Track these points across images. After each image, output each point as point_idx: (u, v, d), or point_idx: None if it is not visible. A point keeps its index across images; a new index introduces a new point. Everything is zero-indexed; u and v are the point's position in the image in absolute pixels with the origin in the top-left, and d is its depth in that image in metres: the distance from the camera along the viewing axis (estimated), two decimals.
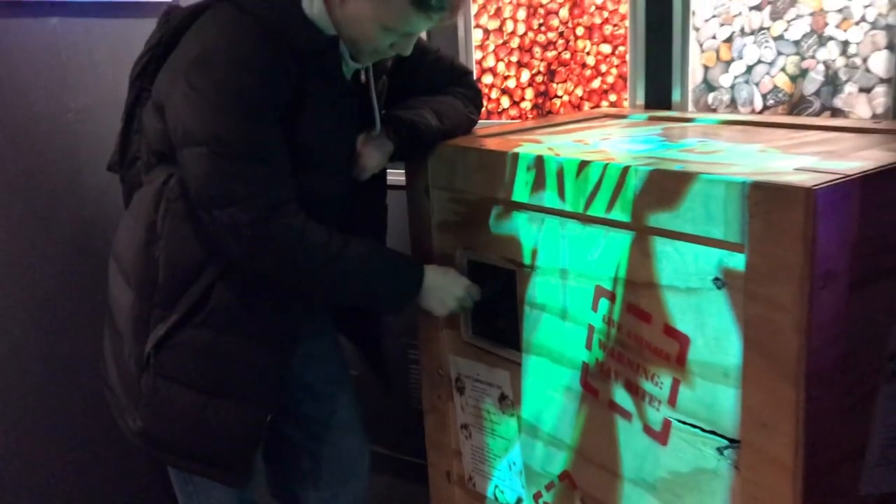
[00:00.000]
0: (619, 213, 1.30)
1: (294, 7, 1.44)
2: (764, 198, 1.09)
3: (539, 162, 1.42)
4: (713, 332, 1.21)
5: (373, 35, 1.45)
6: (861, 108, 1.75)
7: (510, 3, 2.14)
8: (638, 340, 1.33)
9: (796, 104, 1.83)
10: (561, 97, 2.15)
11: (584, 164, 1.34)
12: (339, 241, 1.48)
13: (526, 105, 2.20)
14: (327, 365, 1.83)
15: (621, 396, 1.38)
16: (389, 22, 1.42)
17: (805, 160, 1.24)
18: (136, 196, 1.59)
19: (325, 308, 1.78)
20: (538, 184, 1.43)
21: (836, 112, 1.78)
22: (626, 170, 1.27)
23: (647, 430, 1.34)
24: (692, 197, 1.18)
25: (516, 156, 1.47)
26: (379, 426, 2.38)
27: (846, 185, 1.08)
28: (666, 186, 1.22)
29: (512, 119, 2.22)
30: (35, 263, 2.10)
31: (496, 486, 1.74)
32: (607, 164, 1.31)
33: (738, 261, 1.14)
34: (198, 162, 1.39)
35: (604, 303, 1.37)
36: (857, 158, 1.22)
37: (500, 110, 2.23)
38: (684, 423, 1.28)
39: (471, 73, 1.86)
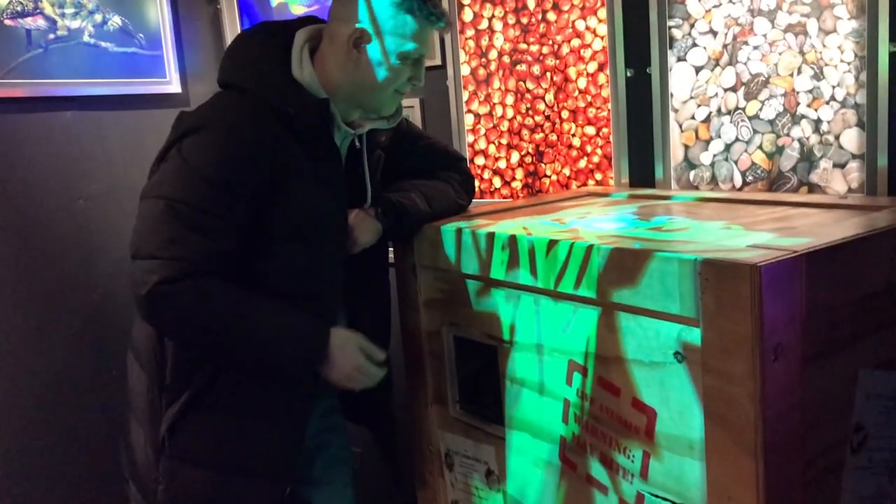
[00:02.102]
0: (586, 290, 1.35)
1: (283, 73, 1.54)
2: (714, 274, 1.13)
3: (512, 241, 1.48)
4: (677, 405, 1.24)
5: (397, 69, 1.55)
6: (836, 183, 1.80)
7: (499, 89, 2.24)
8: (609, 414, 1.36)
9: (774, 180, 1.88)
10: (549, 177, 2.22)
11: (552, 243, 1.40)
12: (238, 299, 1.46)
13: (517, 184, 2.27)
14: (331, 448, 1.84)
15: (597, 470, 1.40)
16: (404, 44, 1.53)
17: (762, 237, 1.29)
18: None
19: (335, 394, 1.79)
20: (513, 262, 1.49)
21: (813, 187, 1.83)
22: (590, 248, 1.33)
23: (623, 503, 1.36)
24: (650, 273, 1.23)
25: (492, 235, 1.53)
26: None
27: (792, 261, 1.12)
28: (626, 264, 1.27)
29: (504, 198, 2.29)
30: (43, 347, 2.17)
31: None
32: (573, 243, 1.36)
33: (694, 335, 1.18)
34: (149, 212, 1.43)
35: (577, 377, 1.41)
36: (813, 235, 1.27)
37: (492, 189, 2.31)
38: (656, 496, 1.30)
39: (465, 159, 1.94)
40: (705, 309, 1.15)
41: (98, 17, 2.26)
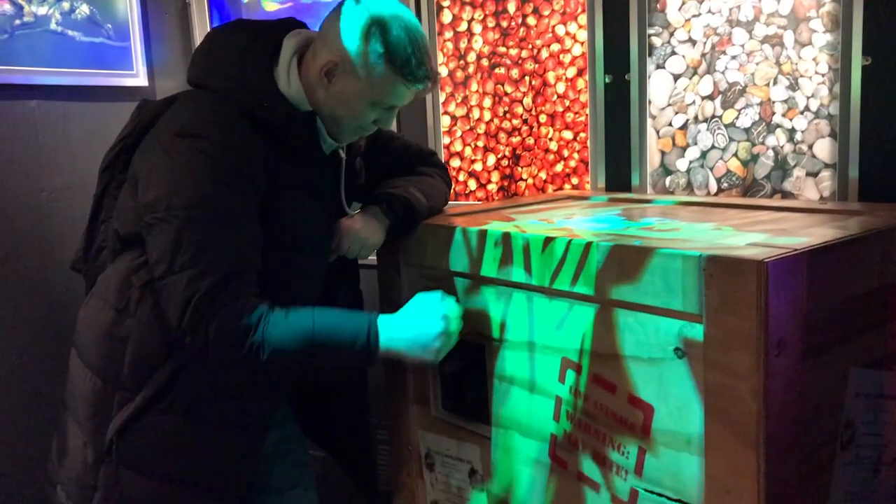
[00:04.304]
0: (583, 287, 1.36)
1: (270, 87, 1.48)
2: (719, 270, 1.15)
3: (506, 238, 1.48)
4: (675, 400, 1.25)
5: (360, 111, 1.50)
6: (809, 191, 1.85)
7: (477, 91, 2.25)
8: (604, 411, 1.36)
9: (749, 187, 1.93)
10: (525, 180, 2.23)
11: (549, 240, 1.40)
12: (264, 314, 1.40)
13: (492, 187, 2.28)
14: (290, 455, 1.79)
15: (589, 467, 1.41)
16: (377, 95, 1.48)
17: (757, 237, 1.32)
18: (101, 279, 1.56)
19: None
20: (505, 259, 1.49)
21: (786, 195, 1.88)
22: (588, 245, 1.33)
23: (615, 500, 1.37)
24: (652, 270, 1.24)
25: (484, 232, 1.52)
26: None
27: (795, 258, 1.15)
28: (627, 260, 1.28)
29: (478, 201, 2.29)
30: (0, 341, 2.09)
31: None
32: (571, 240, 1.37)
33: (696, 331, 1.20)
34: (161, 227, 1.38)
35: (570, 374, 1.41)
36: (806, 235, 1.30)
37: (467, 192, 2.31)
38: (651, 492, 1.31)
39: (436, 154, 1.94)
40: (709, 305, 1.17)
41: (66, 5, 2.20)
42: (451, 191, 1.93)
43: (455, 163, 2.31)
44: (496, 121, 2.24)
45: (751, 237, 1.31)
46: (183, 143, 1.41)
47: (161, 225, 1.38)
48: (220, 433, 1.51)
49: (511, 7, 2.18)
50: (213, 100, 1.48)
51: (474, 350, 1.61)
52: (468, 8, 2.24)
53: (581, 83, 2.11)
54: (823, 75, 1.81)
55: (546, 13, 2.13)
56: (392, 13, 1.45)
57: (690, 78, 1.97)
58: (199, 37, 2.57)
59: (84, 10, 2.25)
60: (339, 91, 1.48)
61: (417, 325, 1.49)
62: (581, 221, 1.62)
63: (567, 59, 2.12)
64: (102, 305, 1.53)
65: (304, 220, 1.54)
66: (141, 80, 2.43)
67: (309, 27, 1.61)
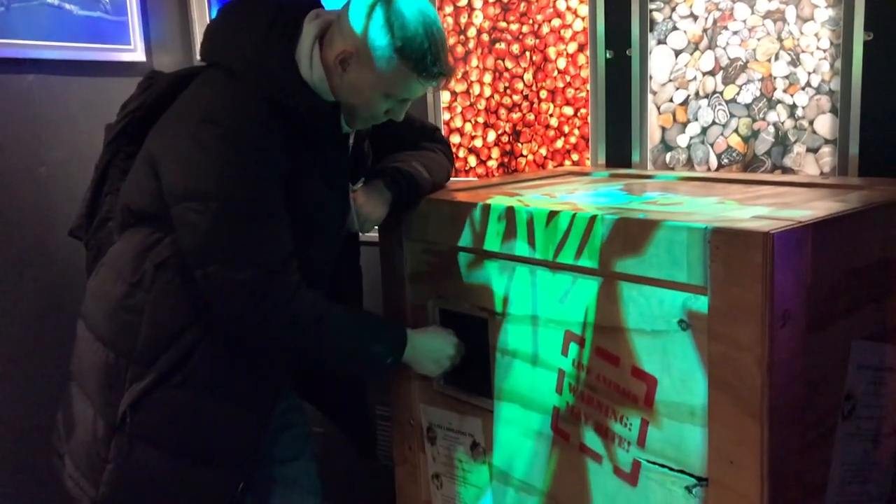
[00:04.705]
0: (588, 260, 1.36)
1: (293, 74, 1.47)
2: (724, 242, 1.15)
3: (510, 212, 1.48)
4: (679, 372, 1.26)
5: (372, 102, 1.50)
6: (809, 167, 1.86)
7: (477, 67, 2.24)
8: (607, 383, 1.37)
9: (749, 163, 1.93)
10: (526, 156, 2.23)
11: (553, 214, 1.41)
12: (324, 306, 1.49)
13: (492, 164, 2.28)
14: (294, 426, 1.81)
15: (591, 439, 1.42)
16: (390, 88, 1.48)
17: (761, 210, 1.32)
18: (112, 252, 1.56)
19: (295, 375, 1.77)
20: (509, 233, 1.49)
21: (787, 170, 1.88)
22: (593, 218, 1.34)
23: (618, 471, 1.38)
24: (657, 243, 1.25)
25: (488, 207, 1.53)
26: (344, 485, 2.37)
27: (801, 230, 1.16)
28: (632, 233, 1.28)
29: (479, 177, 2.29)
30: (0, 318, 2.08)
31: None
32: (575, 214, 1.37)
33: (701, 303, 1.20)
34: (200, 217, 1.39)
35: (573, 347, 1.42)
36: (809, 208, 1.31)
37: (467, 168, 2.31)
38: (653, 463, 1.32)
39: (439, 129, 1.94)
40: (714, 277, 1.17)
41: None
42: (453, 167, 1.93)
43: (455, 139, 2.30)
44: (496, 97, 2.23)
45: (755, 210, 1.32)
46: (211, 131, 1.41)
47: (198, 216, 1.39)
48: (233, 408, 1.52)
49: None
50: (236, 85, 1.46)
51: (476, 324, 1.62)
52: None
53: (582, 59, 2.10)
54: (825, 51, 1.80)
55: None
56: (411, 5, 1.44)
57: (692, 53, 1.96)
58: (196, 12, 2.55)
59: None
60: (352, 81, 1.48)
61: (436, 344, 1.66)
62: (583, 196, 1.63)
63: (568, 34, 2.11)
64: (116, 278, 1.52)
65: (321, 207, 1.55)
66: (139, 55, 2.41)
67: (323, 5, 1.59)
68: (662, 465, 1.31)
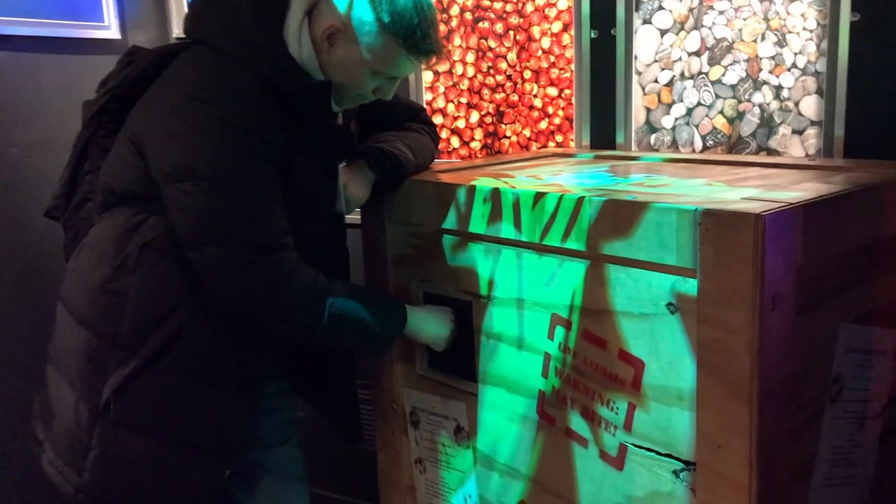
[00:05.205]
0: (575, 243, 1.34)
1: (282, 52, 1.43)
2: (714, 224, 1.14)
3: (496, 194, 1.46)
4: (667, 356, 1.25)
5: (360, 79, 1.47)
6: (794, 149, 1.85)
7: (460, 46, 2.21)
8: (594, 367, 1.36)
9: (734, 145, 1.92)
10: (509, 137, 2.21)
11: (539, 196, 1.38)
12: (325, 281, 1.46)
13: (476, 145, 2.25)
14: (280, 411, 1.76)
15: (577, 423, 1.40)
16: (378, 65, 1.45)
17: (749, 192, 1.31)
18: (94, 232, 1.51)
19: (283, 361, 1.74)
20: (495, 215, 1.47)
21: (772, 152, 1.88)
22: (580, 200, 1.32)
23: (604, 455, 1.37)
24: (645, 225, 1.23)
25: (473, 188, 1.50)
26: (326, 469, 2.35)
27: (791, 212, 1.14)
28: (620, 215, 1.26)
29: (462, 158, 2.26)
30: None
31: None
32: (562, 196, 1.35)
33: (690, 286, 1.19)
34: (192, 198, 1.35)
35: (560, 330, 1.41)
36: (798, 190, 1.29)
37: (450, 150, 2.28)
38: (640, 447, 1.31)
39: (424, 110, 1.91)
40: (704, 259, 1.16)
41: None
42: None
43: (438, 120, 2.27)
44: (480, 77, 2.20)
45: (744, 192, 1.31)
46: (199, 109, 1.37)
47: (190, 197, 1.36)
48: (220, 393, 1.49)
49: None
50: (224, 62, 1.42)
51: (461, 307, 1.60)
52: None
53: (566, 38, 2.07)
54: (811, 31, 1.79)
55: None
56: None
57: (677, 33, 1.94)
58: None
59: None
60: (340, 57, 1.45)
61: (437, 314, 1.65)
62: (570, 178, 1.61)
63: (552, 13, 2.08)
64: (98, 260, 1.47)
65: (313, 187, 1.51)
66: (113, 32, 2.35)
67: None
68: (649, 450, 1.30)
